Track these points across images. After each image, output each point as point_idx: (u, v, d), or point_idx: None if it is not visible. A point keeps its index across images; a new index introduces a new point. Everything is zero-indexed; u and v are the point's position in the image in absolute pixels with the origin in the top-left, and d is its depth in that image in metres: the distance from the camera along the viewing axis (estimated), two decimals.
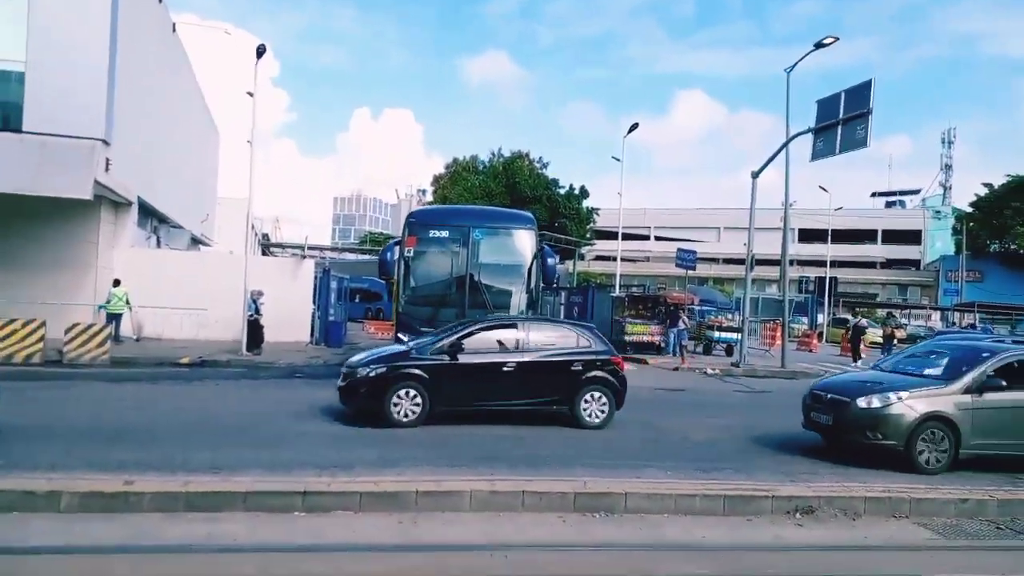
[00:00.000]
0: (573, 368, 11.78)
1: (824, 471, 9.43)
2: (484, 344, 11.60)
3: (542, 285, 15.62)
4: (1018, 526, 7.94)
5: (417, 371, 11.13)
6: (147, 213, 26.93)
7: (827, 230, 54.06)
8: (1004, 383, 9.77)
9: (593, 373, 11.83)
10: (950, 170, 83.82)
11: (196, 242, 37.29)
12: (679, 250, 30.50)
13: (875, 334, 35.07)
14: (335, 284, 24.75)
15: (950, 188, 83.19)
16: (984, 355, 10.22)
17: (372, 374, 11.12)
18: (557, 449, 9.94)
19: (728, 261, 70.19)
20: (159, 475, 7.47)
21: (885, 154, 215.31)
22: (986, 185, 64.79)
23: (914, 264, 77.17)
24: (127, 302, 20.73)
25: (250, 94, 21.56)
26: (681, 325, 25.40)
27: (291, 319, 23.50)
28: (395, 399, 10.95)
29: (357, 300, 37.50)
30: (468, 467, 8.50)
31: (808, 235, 67.98)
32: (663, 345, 26.70)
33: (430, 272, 15.42)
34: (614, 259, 39.63)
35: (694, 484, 8.21)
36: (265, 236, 62.71)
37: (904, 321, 49.68)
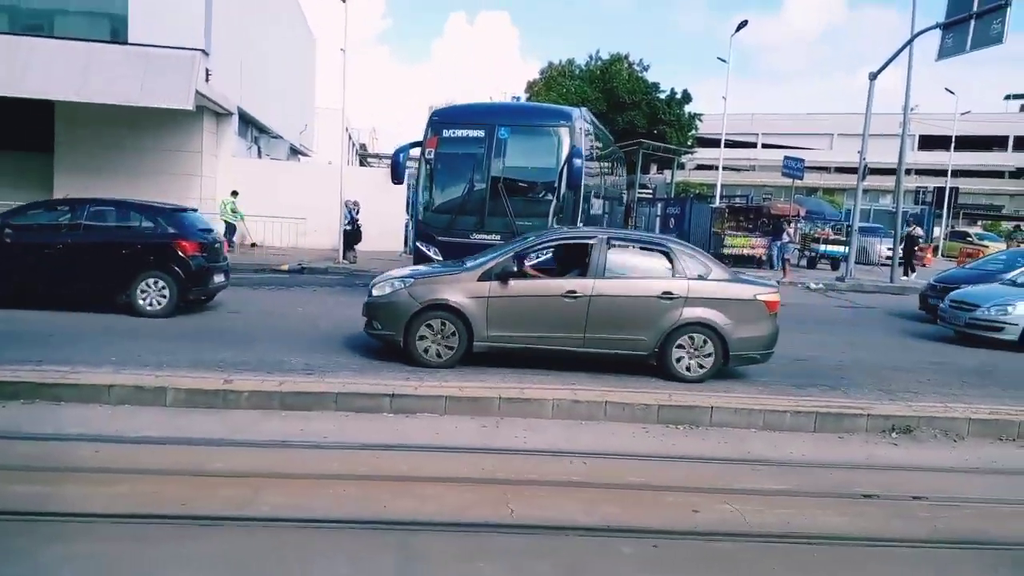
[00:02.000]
0: (126, 252, 11.27)
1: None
2: (43, 224, 11.67)
3: (570, 192, 13.65)
4: None
5: None
6: (247, 123, 27.64)
7: (950, 136, 50.12)
8: (515, 269, 8.71)
9: (151, 257, 11.28)
10: None
11: (296, 152, 38.18)
12: (786, 158, 29.05)
13: (998, 247, 32.75)
14: None
15: None
16: (527, 239, 9.25)
17: None
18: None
19: (840, 170, 66.32)
20: (256, 375, 7.82)
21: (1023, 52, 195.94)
22: None
23: None
24: (232, 210, 21.58)
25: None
26: (785, 238, 24.40)
27: (386, 229, 23.96)
28: None
29: None
30: None
31: (929, 142, 63.25)
32: (764, 259, 25.85)
33: (451, 176, 14.18)
34: (717, 168, 38.14)
35: (785, 400, 7.97)
36: (363, 147, 63.45)
37: None
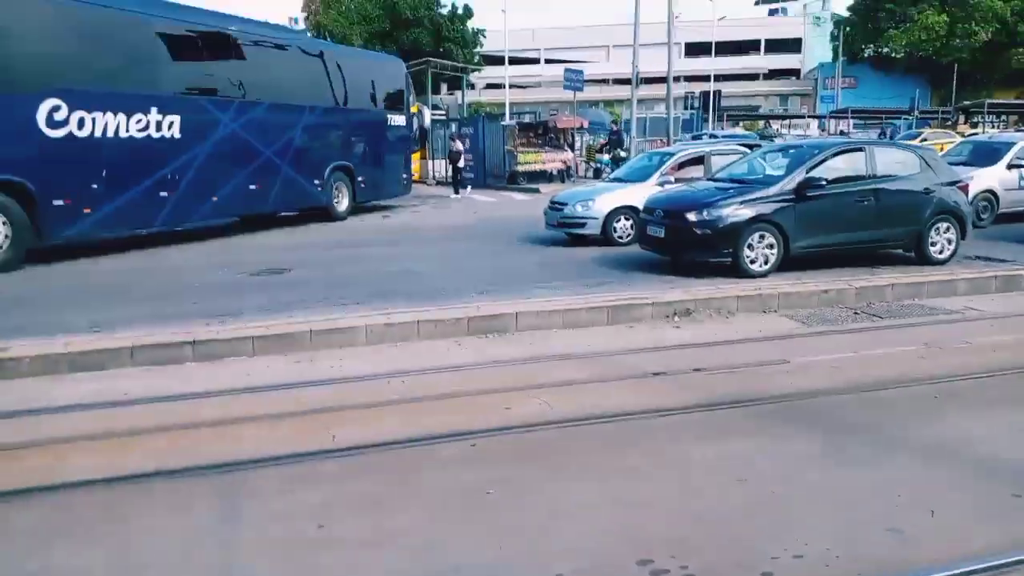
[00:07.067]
0: None
1: None
2: None
3: None
4: (871, 310, 8.75)
5: None
6: None
7: (711, 43, 54.08)
8: None
9: None
10: None
11: None
12: (566, 70, 30.01)
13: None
14: None
15: None
16: None
17: None
18: None
19: (617, 81, 69.36)
20: (36, 339, 7.19)
21: None
22: None
23: (795, 73, 78.64)
24: None
25: None
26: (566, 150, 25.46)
27: None
28: None
29: None
30: None
31: (694, 49, 67.80)
32: (556, 173, 26.83)
33: None
34: (505, 86, 38.72)
35: (579, 299, 8.60)
36: None
37: (784, 131, 51.31)
